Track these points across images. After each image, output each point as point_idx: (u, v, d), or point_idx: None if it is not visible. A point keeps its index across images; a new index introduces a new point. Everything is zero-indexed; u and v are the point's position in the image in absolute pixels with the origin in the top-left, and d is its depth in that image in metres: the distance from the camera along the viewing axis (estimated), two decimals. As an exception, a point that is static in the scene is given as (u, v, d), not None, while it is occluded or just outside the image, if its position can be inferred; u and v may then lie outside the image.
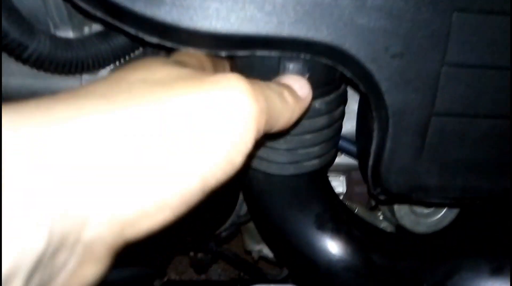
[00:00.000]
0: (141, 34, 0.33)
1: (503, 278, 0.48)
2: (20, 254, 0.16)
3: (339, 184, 0.64)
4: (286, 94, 0.30)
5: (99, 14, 0.33)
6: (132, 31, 0.33)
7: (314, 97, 0.40)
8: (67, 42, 0.45)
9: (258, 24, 0.33)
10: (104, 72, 0.50)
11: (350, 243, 0.47)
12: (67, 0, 0.32)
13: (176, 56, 0.33)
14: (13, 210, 0.16)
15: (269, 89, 0.29)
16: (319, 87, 0.40)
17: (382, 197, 0.44)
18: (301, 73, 0.38)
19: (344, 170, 0.62)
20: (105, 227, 0.19)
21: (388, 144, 0.39)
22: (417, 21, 0.35)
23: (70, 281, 0.20)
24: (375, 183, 0.43)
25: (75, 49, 0.45)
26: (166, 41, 0.34)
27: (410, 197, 0.43)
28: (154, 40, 0.34)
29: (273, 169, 0.44)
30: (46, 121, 0.19)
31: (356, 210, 0.66)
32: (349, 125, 0.52)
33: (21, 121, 0.18)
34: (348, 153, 0.58)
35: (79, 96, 0.21)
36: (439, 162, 0.41)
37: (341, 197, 0.65)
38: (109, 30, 0.44)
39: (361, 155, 0.54)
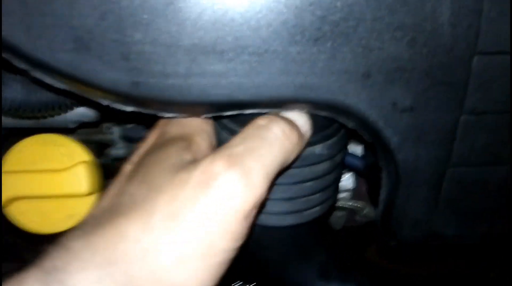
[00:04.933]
0: (116, 105, 0.30)
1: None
2: None
3: (347, 180, 0.60)
4: (289, 131, 0.31)
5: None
6: (104, 102, 0.30)
7: (314, 143, 0.36)
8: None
9: (254, 90, 0.29)
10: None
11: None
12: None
13: (174, 127, 0.33)
14: None
15: (267, 143, 0.29)
16: (319, 132, 0.36)
17: (393, 244, 0.41)
18: None
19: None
20: None
21: (399, 198, 0.35)
22: (429, 70, 0.30)
23: None
24: (386, 232, 0.39)
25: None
26: (146, 110, 0.30)
27: (425, 245, 0.39)
28: (129, 109, 0.30)
29: (272, 221, 0.40)
30: None
31: (365, 211, 0.62)
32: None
33: None
34: (353, 170, 0.53)
35: None
36: (457, 212, 0.37)
37: (349, 194, 0.61)
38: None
39: (369, 184, 0.50)
